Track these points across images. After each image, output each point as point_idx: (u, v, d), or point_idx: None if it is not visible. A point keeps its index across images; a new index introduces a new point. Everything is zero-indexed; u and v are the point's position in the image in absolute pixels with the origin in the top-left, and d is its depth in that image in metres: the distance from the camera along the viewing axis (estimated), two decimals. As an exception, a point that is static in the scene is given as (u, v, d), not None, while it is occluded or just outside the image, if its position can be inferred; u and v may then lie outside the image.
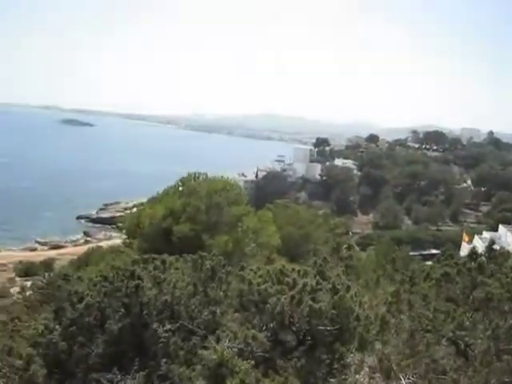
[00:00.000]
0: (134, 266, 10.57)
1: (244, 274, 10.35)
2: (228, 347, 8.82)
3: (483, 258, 13.04)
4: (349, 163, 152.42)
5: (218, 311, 10.11)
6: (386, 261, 26.63)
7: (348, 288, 9.72)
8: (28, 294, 35.33)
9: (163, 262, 11.11)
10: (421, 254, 75.59)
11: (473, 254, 12.83)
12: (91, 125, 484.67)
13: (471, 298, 10.93)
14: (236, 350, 8.64)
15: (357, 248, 70.73)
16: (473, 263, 12.44)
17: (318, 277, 9.87)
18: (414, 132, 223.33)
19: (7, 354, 10.29)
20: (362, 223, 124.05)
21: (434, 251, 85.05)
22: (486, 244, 15.31)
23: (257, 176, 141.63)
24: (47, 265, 65.82)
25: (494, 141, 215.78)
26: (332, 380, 9.21)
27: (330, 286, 9.52)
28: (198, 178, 39.15)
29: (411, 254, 68.50)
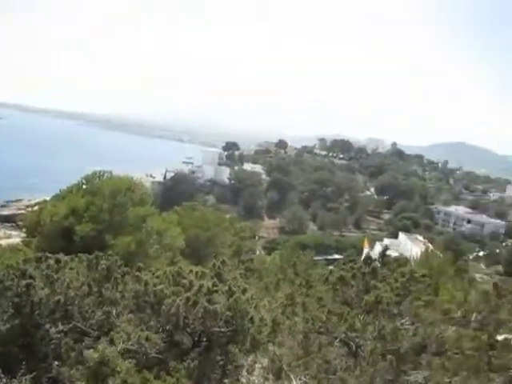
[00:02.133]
0: (26, 265, 10.24)
1: (140, 275, 10.25)
2: (121, 348, 8.72)
3: (377, 264, 13.54)
4: (257, 168, 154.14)
5: (113, 312, 9.95)
6: (288, 265, 27.05)
7: (244, 290, 9.82)
8: None
9: (57, 261, 10.81)
10: (325, 259, 77.30)
11: (367, 259, 13.29)
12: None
13: (364, 301, 11.32)
14: (127, 350, 8.54)
15: (262, 252, 71.52)
16: (367, 268, 12.87)
17: (215, 279, 9.92)
18: (322, 140, 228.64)
19: None
20: (269, 228, 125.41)
21: (337, 256, 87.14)
22: (384, 250, 15.91)
23: (165, 177, 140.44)
24: None
25: (397, 152, 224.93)
26: (225, 381, 9.28)
27: (227, 288, 9.58)
28: (103, 176, 38.28)
29: (315, 258, 69.91)
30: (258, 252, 60.10)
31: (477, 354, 10.20)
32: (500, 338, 11.64)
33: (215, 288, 9.48)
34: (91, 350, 7.94)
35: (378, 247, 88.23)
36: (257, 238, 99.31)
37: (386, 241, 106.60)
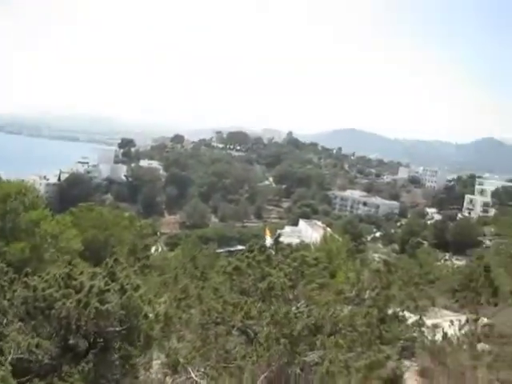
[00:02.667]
0: None
1: (29, 281, 9.90)
2: (12, 358, 8.41)
3: (271, 251, 13.74)
4: (155, 164, 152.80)
5: (3, 321, 9.55)
6: (188, 259, 27.07)
7: (137, 287, 9.70)
8: None
9: None
10: (228, 251, 77.74)
11: (262, 247, 13.46)
12: None
13: (259, 288, 11.49)
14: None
15: (165, 248, 70.92)
16: (262, 256, 13.05)
17: (107, 278, 9.72)
18: (218, 132, 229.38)
19: None
20: (170, 223, 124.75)
21: (240, 247, 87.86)
22: (288, 237, 16.25)
23: (59, 178, 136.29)
24: None
25: (292, 141, 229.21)
26: (124, 381, 9.17)
27: (119, 286, 9.42)
28: (-9, 180, 36.63)
29: (218, 251, 70.24)
30: (159, 248, 59.64)
31: (369, 329, 10.61)
32: (390, 312, 12.21)
33: (107, 287, 9.30)
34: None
35: (279, 235, 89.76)
36: (158, 234, 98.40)
37: (287, 228, 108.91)
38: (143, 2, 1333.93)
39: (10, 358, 8.49)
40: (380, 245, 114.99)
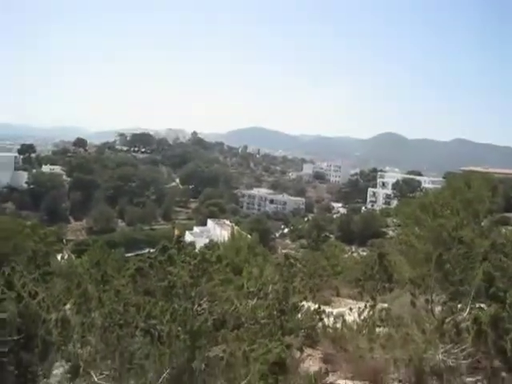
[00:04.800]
0: None
1: None
2: None
3: (174, 251, 13.85)
4: (57, 169, 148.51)
5: None
6: (92, 265, 26.64)
7: (35, 294, 9.56)
8: None
9: None
10: (137, 254, 76.75)
11: (164, 247, 13.55)
12: None
13: (160, 288, 11.59)
14: None
15: (72, 255, 69.25)
16: (164, 256, 13.13)
17: (3, 287, 9.53)
18: (122, 135, 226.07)
19: None
20: (76, 230, 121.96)
21: (149, 250, 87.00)
22: (198, 238, 16.33)
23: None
24: None
25: (197, 141, 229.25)
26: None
27: (16, 294, 9.26)
28: None
29: (128, 255, 69.27)
30: (66, 256, 58.14)
31: (270, 321, 10.94)
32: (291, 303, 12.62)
33: (3, 296, 9.12)
34: None
35: (189, 236, 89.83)
36: (64, 241, 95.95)
37: (196, 229, 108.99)
38: None
39: None
40: (288, 240, 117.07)
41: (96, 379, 8.60)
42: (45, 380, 8.95)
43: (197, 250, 13.72)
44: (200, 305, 10.89)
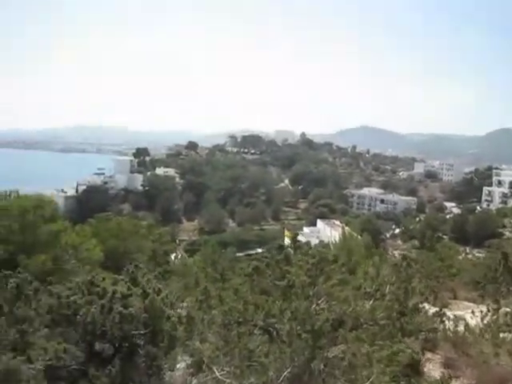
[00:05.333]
0: None
1: (52, 289, 10.10)
2: (40, 365, 8.60)
3: (289, 250, 13.87)
4: (170, 171, 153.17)
5: (28, 330, 9.75)
6: (208, 264, 27.23)
7: (159, 291, 9.87)
8: None
9: (-37, 285, 10.49)
10: (247, 254, 77.85)
11: (280, 247, 13.62)
12: None
13: (279, 287, 11.62)
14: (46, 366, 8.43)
15: (184, 255, 71.23)
16: (280, 256, 13.18)
17: (129, 284, 9.91)
18: (232, 137, 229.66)
19: None
20: (189, 230, 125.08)
21: (259, 250, 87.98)
22: (307, 238, 16.36)
23: (77, 191, 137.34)
24: None
25: (306, 141, 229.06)
26: (150, 382, 9.33)
27: (141, 290, 9.61)
28: (10, 196, 37.19)
29: (238, 254, 70.42)
30: (179, 255, 59.94)
31: (390, 322, 10.70)
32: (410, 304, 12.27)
33: (129, 292, 9.48)
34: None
35: (299, 237, 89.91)
36: (177, 241, 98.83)
37: (306, 229, 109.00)
38: (147, 10, 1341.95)
39: (38, 365, 8.69)
40: (400, 241, 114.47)
41: (218, 375, 8.74)
42: (169, 373, 9.24)
43: (313, 250, 13.65)
44: (318, 304, 10.82)
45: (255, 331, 10.43)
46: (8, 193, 37.10)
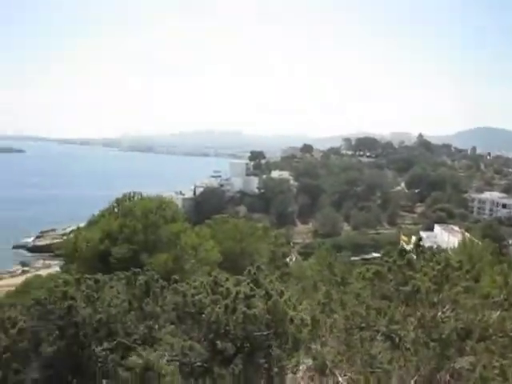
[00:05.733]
0: (66, 287, 10.47)
1: (178, 287, 10.39)
2: (167, 360, 8.86)
3: (412, 255, 13.46)
4: (285, 174, 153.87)
5: (155, 326, 10.11)
6: (324, 267, 27.06)
7: (281, 293, 9.89)
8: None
9: (96, 281, 11.03)
10: (362, 259, 76.83)
11: (402, 251, 13.23)
12: (23, 151, 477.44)
13: (402, 293, 11.29)
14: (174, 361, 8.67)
15: (299, 257, 71.41)
16: (402, 260, 12.82)
17: (251, 285, 10.01)
18: (347, 140, 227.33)
19: None
20: (303, 233, 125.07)
21: (374, 254, 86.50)
22: (423, 243, 15.80)
23: (195, 193, 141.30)
24: (-17, 298, 63.72)
25: (424, 143, 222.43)
26: (271, 383, 9.37)
27: (264, 292, 9.66)
28: (134, 198, 38.88)
29: (353, 258, 69.58)
30: (294, 257, 60.16)
31: (521, 334, 10.14)
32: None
33: (252, 293, 9.57)
34: (134, 357, 8.09)
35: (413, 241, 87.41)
36: (292, 244, 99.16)
37: (422, 234, 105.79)
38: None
39: (165, 360, 8.97)
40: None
41: (341, 380, 8.63)
42: (291, 375, 9.24)
43: (439, 256, 13.14)
44: (443, 312, 10.45)
45: (377, 337, 10.21)
46: (132, 194, 38.81)
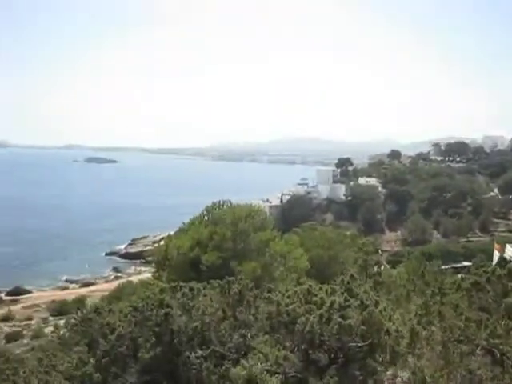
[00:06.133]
0: (163, 295, 10.71)
1: (272, 296, 10.39)
2: (261, 369, 8.85)
3: (512, 265, 12.91)
4: (373, 181, 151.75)
5: (248, 334, 10.14)
6: (416, 276, 26.38)
7: (377, 303, 9.68)
8: (62, 332, 35.70)
9: (191, 289, 11.21)
10: (453, 267, 74.62)
11: (502, 261, 12.72)
12: (115, 161, 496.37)
13: (503, 305, 10.83)
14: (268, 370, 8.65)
15: (387, 265, 70.27)
16: (502, 270, 12.32)
17: (345, 294, 9.86)
18: (436, 145, 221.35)
19: (44, 388, 10.48)
20: (391, 241, 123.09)
21: (465, 263, 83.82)
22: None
23: (281, 201, 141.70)
24: (79, 302, 66.38)
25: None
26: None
27: (359, 302, 9.50)
28: (223, 206, 39.45)
29: (443, 267, 67.60)
30: (382, 266, 59.04)
31: None
32: None
33: (347, 303, 9.43)
34: (238, 368, 8.13)
35: (510, 250, 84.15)
36: (380, 251, 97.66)
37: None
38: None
39: (259, 369, 8.96)
40: None
41: (441, 395, 8.35)
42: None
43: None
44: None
45: (477, 351, 9.82)
46: (222, 202, 39.42)
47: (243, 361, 8.54)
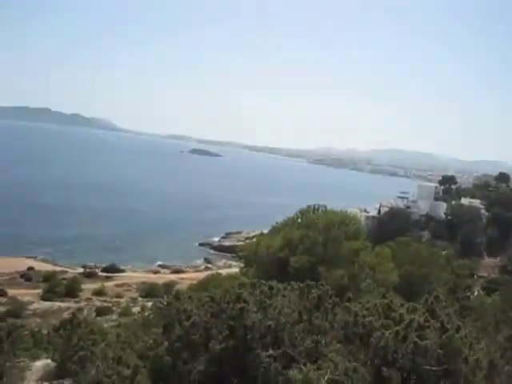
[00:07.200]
0: (241, 290, 10.75)
1: (350, 306, 10.21)
2: (328, 378, 8.71)
3: None
4: (476, 202, 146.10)
5: (322, 341, 10.01)
6: (509, 306, 25.23)
7: (458, 328, 9.28)
8: (146, 313, 36.75)
9: (270, 287, 11.19)
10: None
11: None
12: (218, 155, 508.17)
13: None
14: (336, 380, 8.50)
15: (481, 292, 67.53)
16: None
17: (427, 314, 9.52)
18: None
19: (117, 363, 10.78)
20: (489, 266, 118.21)
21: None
22: None
23: (379, 212, 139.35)
24: (168, 287, 68.18)
25: None
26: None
27: (439, 324, 9.14)
28: (317, 210, 39.27)
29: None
30: (476, 292, 56.81)
31: None
32: None
33: (427, 324, 9.10)
34: (296, 371, 8.05)
35: None
36: (475, 277, 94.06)
37: None
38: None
39: (326, 378, 8.82)
40: None
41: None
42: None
43: None
44: None
45: None
46: (316, 206, 39.26)
47: (303, 367, 8.43)
